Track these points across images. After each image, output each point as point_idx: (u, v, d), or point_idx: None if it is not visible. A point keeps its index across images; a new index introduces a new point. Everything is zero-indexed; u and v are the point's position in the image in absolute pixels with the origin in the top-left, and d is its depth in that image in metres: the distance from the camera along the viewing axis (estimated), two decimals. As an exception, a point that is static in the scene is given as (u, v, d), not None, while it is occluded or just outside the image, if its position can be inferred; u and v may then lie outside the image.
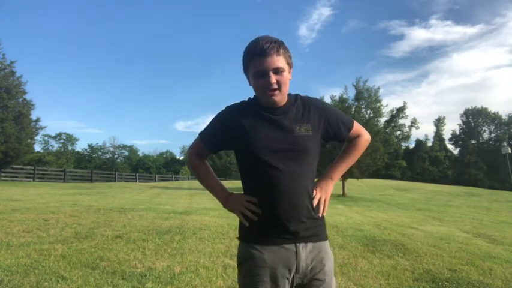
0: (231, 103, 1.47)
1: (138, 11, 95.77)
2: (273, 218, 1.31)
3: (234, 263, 3.85)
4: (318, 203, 1.40)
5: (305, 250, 1.32)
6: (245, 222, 1.36)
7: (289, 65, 1.38)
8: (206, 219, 6.32)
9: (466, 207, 14.12)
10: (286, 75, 1.35)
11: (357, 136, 1.53)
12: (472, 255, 4.65)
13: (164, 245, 4.41)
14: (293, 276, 1.32)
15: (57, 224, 5.33)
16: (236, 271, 3.51)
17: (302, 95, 1.48)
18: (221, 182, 1.53)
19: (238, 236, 1.43)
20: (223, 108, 1.47)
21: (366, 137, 1.56)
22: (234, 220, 6.36)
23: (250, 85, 1.42)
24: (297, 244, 1.32)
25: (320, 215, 1.39)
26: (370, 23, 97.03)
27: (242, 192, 1.44)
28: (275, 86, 1.32)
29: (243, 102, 1.47)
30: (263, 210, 1.33)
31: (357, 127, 1.52)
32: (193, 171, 1.54)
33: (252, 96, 1.47)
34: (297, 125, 1.37)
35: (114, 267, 3.47)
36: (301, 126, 1.37)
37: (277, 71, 1.32)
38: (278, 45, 1.33)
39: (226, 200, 1.45)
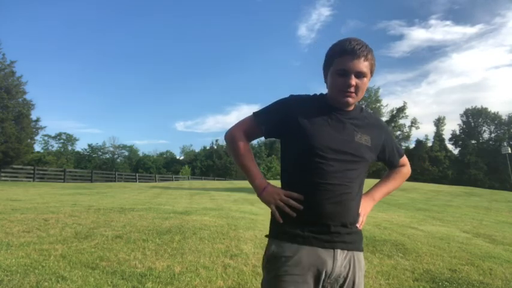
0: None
1: (138, 11, 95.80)
2: (316, 216, 1.27)
3: (234, 263, 3.85)
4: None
5: (342, 256, 1.28)
6: (278, 218, 1.30)
7: (372, 73, 1.36)
8: (206, 219, 6.31)
9: (466, 207, 14.12)
10: (366, 81, 1.35)
11: (403, 165, 1.59)
12: (472, 255, 4.64)
13: (164, 245, 4.41)
14: (323, 280, 1.26)
15: (57, 224, 5.33)
16: (236, 271, 3.53)
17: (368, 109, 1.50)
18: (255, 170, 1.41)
19: (268, 233, 1.36)
20: (287, 96, 1.43)
21: (409, 168, 1.62)
22: (234, 220, 6.35)
23: (325, 81, 1.41)
24: (335, 249, 1.27)
25: (359, 227, 1.37)
26: (369, 23, 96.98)
27: (280, 186, 1.39)
28: (353, 90, 1.31)
29: (308, 95, 1.45)
30: (307, 208, 1.28)
31: (406, 158, 1.60)
32: (232, 146, 1.43)
33: (317, 93, 1.45)
34: (359, 133, 1.37)
35: (114, 267, 3.47)
36: (362, 135, 1.37)
37: (360, 75, 1.31)
38: (368, 50, 1.32)
39: (264, 189, 1.35)
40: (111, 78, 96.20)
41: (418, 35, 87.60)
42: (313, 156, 1.29)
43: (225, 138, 1.47)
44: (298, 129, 1.33)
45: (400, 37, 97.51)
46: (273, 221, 1.35)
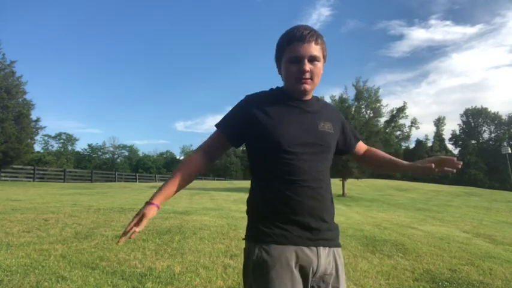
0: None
1: (138, 11, 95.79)
2: (296, 214, 1.24)
3: (234, 263, 3.85)
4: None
5: (324, 253, 1.27)
6: (124, 237, 1.21)
7: (324, 58, 1.34)
8: (206, 219, 6.31)
9: (466, 207, 14.11)
10: (320, 66, 1.32)
11: (366, 148, 1.60)
12: (472, 255, 4.64)
13: (164, 245, 4.41)
14: (309, 278, 1.24)
15: (57, 224, 5.33)
16: (236, 271, 3.52)
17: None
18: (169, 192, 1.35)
19: (246, 235, 1.30)
20: (243, 97, 1.38)
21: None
22: (234, 220, 6.36)
23: (279, 74, 1.39)
24: (318, 247, 1.26)
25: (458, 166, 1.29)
26: (369, 23, 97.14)
27: (250, 188, 1.34)
28: (308, 76, 1.29)
29: (264, 91, 1.41)
30: (285, 207, 1.24)
31: (362, 143, 1.60)
32: (178, 166, 1.37)
33: (274, 87, 1.42)
34: (321, 121, 1.35)
35: (114, 267, 3.47)
36: (325, 123, 1.36)
37: (313, 59, 1.28)
38: (318, 35, 1.30)
39: (150, 204, 1.28)
40: (111, 78, 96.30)
41: (418, 35, 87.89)
42: (281, 154, 1.26)
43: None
44: (261, 127, 1.28)
45: (400, 37, 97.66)
46: (252, 223, 1.30)
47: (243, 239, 1.32)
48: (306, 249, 1.24)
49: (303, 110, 1.34)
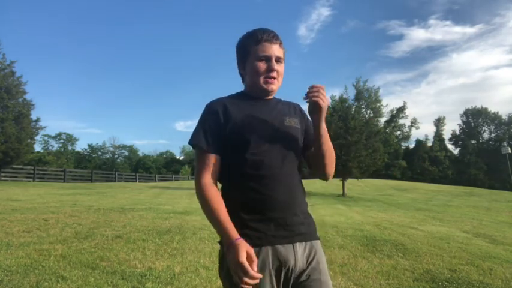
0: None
1: (138, 11, 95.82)
2: (269, 211, 1.23)
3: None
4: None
5: (301, 249, 1.27)
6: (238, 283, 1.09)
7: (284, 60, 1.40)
8: (206, 219, 6.31)
9: (466, 207, 14.12)
10: (283, 67, 1.38)
11: None
12: (472, 255, 4.64)
13: (164, 245, 4.41)
14: (289, 276, 1.24)
15: (57, 224, 5.33)
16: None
17: None
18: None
19: (220, 239, 1.25)
20: (204, 107, 1.36)
21: None
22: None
23: (241, 74, 1.42)
24: (294, 243, 1.25)
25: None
26: (369, 23, 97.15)
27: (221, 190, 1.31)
28: (275, 75, 1.34)
29: (226, 96, 1.41)
30: (258, 205, 1.24)
31: None
32: (206, 203, 1.24)
33: (234, 93, 1.43)
34: (286, 117, 1.38)
35: (114, 267, 3.47)
36: (290, 118, 1.38)
37: (279, 60, 1.35)
38: (279, 37, 1.37)
39: (236, 240, 1.14)
40: (111, 78, 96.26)
41: (417, 35, 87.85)
42: (250, 151, 1.26)
43: (197, 195, 1.28)
44: (230, 128, 1.29)
45: (400, 37, 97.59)
46: None
47: (218, 242, 1.29)
48: (281, 247, 1.23)
49: (268, 107, 1.37)
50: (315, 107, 1.29)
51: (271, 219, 1.24)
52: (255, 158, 1.26)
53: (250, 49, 1.34)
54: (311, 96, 1.27)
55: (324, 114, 1.30)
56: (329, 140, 1.37)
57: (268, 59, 1.32)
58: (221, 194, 1.30)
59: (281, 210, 1.25)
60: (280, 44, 1.36)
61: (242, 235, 1.17)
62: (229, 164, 1.31)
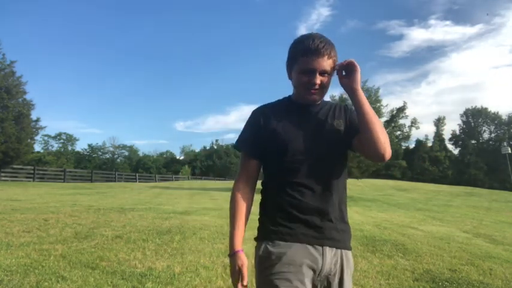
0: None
1: (138, 10, 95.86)
2: (301, 214, 1.28)
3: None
4: None
5: (330, 254, 1.28)
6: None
7: (334, 68, 1.37)
8: (206, 219, 6.32)
9: (466, 207, 14.11)
10: (330, 78, 1.37)
11: None
12: (472, 255, 4.64)
13: (164, 245, 4.41)
14: (314, 278, 1.26)
15: (57, 224, 5.33)
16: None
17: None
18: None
19: (257, 236, 1.36)
20: (251, 113, 1.45)
21: None
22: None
23: (289, 78, 1.43)
24: (324, 246, 1.27)
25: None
26: (369, 23, 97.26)
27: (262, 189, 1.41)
28: (318, 87, 1.34)
29: (272, 102, 1.48)
30: (292, 207, 1.29)
31: None
32: (230, 206, 1.37)
33: (281, 98, 1.48)
34: (328, 121, 1.39)
35: (114, 267, 3.47)
36: (333, 121, 1.39)
37: (324, 73, 1.33)
38: (331, 47, 1.33)
39: (236, 253, 1.30)
40: (111, 78, 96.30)
41: (417, 35, 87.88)
42: (286, 159, 1.32)
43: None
44: (272, 137, 1.35)
45: (400, 37, 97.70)
46: (261, 224, 1.37)
47: (254, 239, 1.38)
48: (310, 247, 1.26)
49: (310, 115, 1.39)
50: (347, 69, 1.33)
51: (303, 220, 1.29)
52: (291, 166, 1.32)
53: (297, 59, 1.35)
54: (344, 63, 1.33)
55: (358, 77, 1.32)
56: (371, 109, 1.30)
57: (311, 73, 1.31)
58: (262, 195, 1.40)
59: (313, 215, 1.29)
60: (330, 54, 1.32)
61: (273, 231, 1.29)
62: (268, 169, 1.40)
